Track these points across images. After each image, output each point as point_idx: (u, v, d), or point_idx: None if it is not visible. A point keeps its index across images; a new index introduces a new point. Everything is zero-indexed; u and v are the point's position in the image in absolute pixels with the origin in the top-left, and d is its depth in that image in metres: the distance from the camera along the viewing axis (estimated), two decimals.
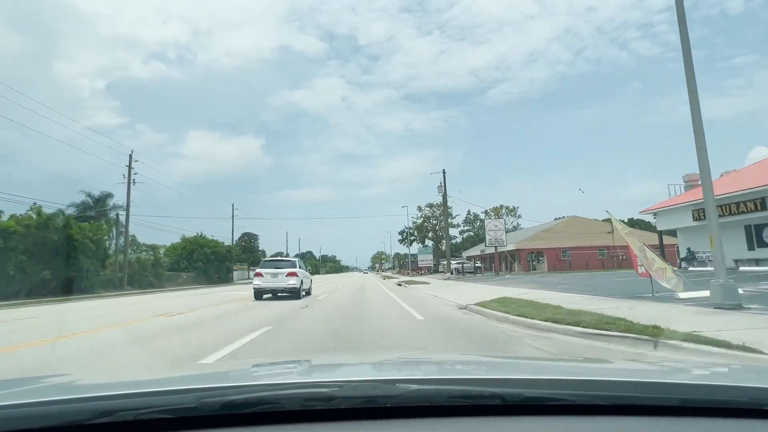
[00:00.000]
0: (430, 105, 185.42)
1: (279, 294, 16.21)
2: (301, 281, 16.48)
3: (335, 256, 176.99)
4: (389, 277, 57.52)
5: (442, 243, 78.27)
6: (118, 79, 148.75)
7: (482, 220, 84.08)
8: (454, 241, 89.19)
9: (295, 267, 16.63)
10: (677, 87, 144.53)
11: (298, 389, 1.18)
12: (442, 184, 35.96)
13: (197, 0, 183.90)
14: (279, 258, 22.23)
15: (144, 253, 41.44)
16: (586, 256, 43.35)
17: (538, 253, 45.78)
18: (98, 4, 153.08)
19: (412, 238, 76.33)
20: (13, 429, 1.01)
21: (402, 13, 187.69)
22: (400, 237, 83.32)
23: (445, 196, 35.86)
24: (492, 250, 51.69)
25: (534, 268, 44.58)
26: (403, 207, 66.83)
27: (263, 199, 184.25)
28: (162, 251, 51.42)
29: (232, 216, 65.85)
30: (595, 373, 1.60)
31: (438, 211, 73.98)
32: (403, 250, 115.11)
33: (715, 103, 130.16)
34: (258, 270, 16.56)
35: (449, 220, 76.07)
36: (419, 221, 75.57)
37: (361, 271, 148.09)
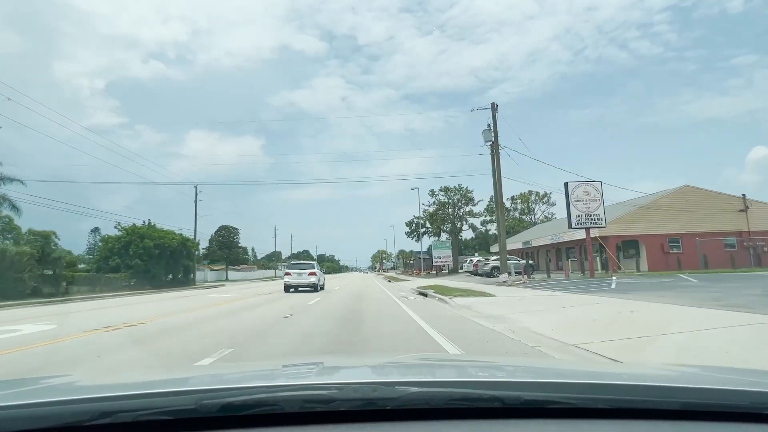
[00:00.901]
0: (430, 105, 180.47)
1: (300, 288, 21.13)
2: (319, 278, 21.84)
3: (333, 256, 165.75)
4: (395, 279, 43.09)
5: (461, 235, 64.02)
6: (117, 78, 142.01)
7: (508, 209, 69.59)
8: (472, 236, 74.70)
9: (315, 268, 22.18)
10: (677, 87, 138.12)
11: (297, 391, 1.16)
12: (491, 126, 21.71)
13: (197, 0, 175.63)
14: (302, 261, 27.26)
15: (29, 245, 27.15)
16: (711, 246, 28.37)
17: (627, 242, 30.64)
18: (97, 4, 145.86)
19: (423, 230, 61.62)
20: (13, 430, 1.00)
21: (402, 13, 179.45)
22: (407, 229, 68.34)
23: (496, 145, 21.50)
24: (546, 241, 37.41)
25: (623, 267, 29.58)
26: (413, 189, 52.76)
27: (263, 199, 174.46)
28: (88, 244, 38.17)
29: (195, 201, 51.72)
30: (596, 376, 1.58)
31: (456, 197, 59.37)
32: (408, 246, 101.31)
33: (715, 103, 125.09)
34: (287, 270, 22.60)
35: (468, 208, 61.44)
36: (431, 209, 60.95)
37: (361, 271, 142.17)
